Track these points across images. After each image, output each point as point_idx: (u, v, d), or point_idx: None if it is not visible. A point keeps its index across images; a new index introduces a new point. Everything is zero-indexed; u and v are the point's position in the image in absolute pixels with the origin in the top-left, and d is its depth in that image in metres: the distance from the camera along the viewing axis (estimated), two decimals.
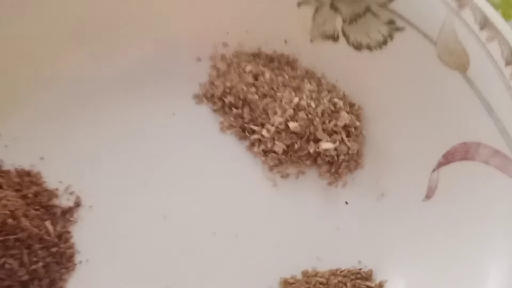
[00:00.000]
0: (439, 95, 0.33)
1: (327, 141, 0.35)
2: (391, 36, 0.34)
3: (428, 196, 0.33)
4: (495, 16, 0.31)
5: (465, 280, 0.30)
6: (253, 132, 0.36)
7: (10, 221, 0.29)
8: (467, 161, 0.31)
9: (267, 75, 0.36)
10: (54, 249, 0.32)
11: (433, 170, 0.33)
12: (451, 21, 0.32)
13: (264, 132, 0.35)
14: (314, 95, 0.35)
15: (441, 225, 0.31)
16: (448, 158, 0.32)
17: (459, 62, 0.32)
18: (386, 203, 0.34)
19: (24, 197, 0.32)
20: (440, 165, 0.32)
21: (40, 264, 0.30)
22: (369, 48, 0.35)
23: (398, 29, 0.34)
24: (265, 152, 0.36)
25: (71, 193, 0.34)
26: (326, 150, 0.35)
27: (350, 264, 0.33)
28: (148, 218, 0.34)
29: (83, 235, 0.33)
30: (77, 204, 0.34)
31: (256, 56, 0.38)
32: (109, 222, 0.33)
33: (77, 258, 0.32)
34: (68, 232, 0.33)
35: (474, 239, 0.30)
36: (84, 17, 0.36)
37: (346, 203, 0.35)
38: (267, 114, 0.35)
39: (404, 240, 0.33)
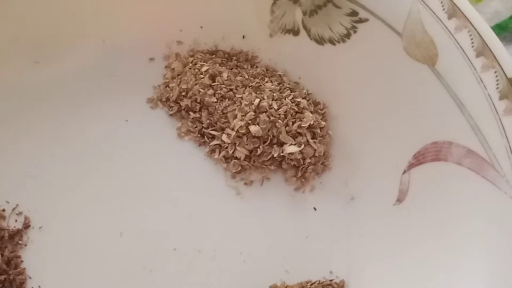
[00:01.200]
0: (407, 91, 0.31)
1: (291, 144, 0.32)
2: (354, 29, 0.32)
3: (399, 200, 0.31)
4: (464, 4, 0.29)
5: (441, 284, 0.28)
6: (213, 137, 0.34)
7: None
8: (439, 162, 0.29)
9: (225, 75, 0.34)
10: (2, 277, 0.29)
11: (404, 172, 0.31)
12: (417, 10, 0.29)
13: (224, 138, 0.33)
14: (276, 95, 0.33)
15: (414, 229, 0.30)
16: (419, 159, 0.30)
17: (427, 55, 0.29)
18: (356, 207, 0.33)
19: None
20: (411, 166, 0.30)
21: None
22: (332, 42, 0.33)
23: (361, 20, 0.32)
24: (227, 159, 0.33)
25: (19, 214, 0.32)
26: (291, 153, 0.32)
27: (320, 275, 0.31)
28: (103, 236, 0.31)
29: (34, 259, 0.31)
30: (26, 226, 0.31)
31: (213, 53, 0.36)
32: (62, 243, 0.31)
33: (29, 285, 0.30)
34: (18, 257, 0.31)
35: (449, 243, 0.28)
36: (24, 20, 0.34)
37: (315, 209, 0.33)
38: (226, 117, 0.33)
39: (377, 246, 0.31)
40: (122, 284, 0.31)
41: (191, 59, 0.35)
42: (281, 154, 0.33)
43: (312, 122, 0.33)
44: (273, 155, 0.33)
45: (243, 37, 0.35)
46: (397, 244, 0.31)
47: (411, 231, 0.30)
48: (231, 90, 0.34)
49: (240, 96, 0.33)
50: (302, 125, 0.33)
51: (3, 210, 0.32)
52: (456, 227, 0.28)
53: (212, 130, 0.33)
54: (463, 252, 0.28)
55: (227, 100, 0.33)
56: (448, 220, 0.29)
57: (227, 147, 0.33)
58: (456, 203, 0.29)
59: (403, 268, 0.30)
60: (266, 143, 0.33)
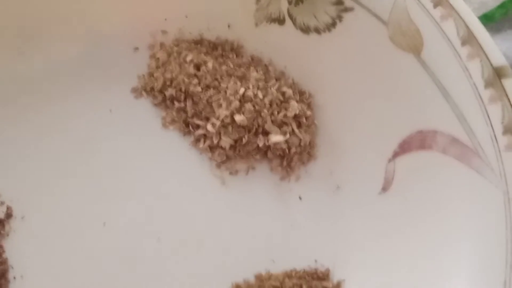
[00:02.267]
0: (392, 79, 0.30)
1: (277, 133, 0.32)
2: (339, 18, 0.32)
3: (384, 188, 0.31)
4: None
5: (426, 273, 0.28)
6: (198, 127, 0.33)
7: None
8: (424, 151, 0.29)
9: (210, 64, 0.34)
10: None
11: (389, 161, 0.31)
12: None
13: (209, 127, 0.33)
14: (261, 84, 0.33)
15: (399, 218, 0.30)
16: (404, 148, 0.30)
17: (412, 44, 0.29)
18: (341, 196, 0.32)
19: None
20: (396, 155, 0.30)
21: None
22: (317, 31, 0.33)
23: (346, 9, 0.31)
24: (212, 148, 0.33)
25: (1, 204, 0.31)
26: (276, 143, 0.32)
27: (305, 263, 0.31)
28: (86, 225, 0.31)
29: (16, 249, 0.30)
30: (8, 215, 0.31)
31: (198, 43, 0.35)
32: (44, 233, 0.31)
33: (11, 275, 0.30)
34: (0, 247, 0.30)
35: (434, 232, 0.28)
36: (8, 11, 0.33)
37: (300, 198, 0.33)
38: (211, 107, 0.33)
39: (362, 235, 0.31)
40: (105, 274, 0.30)
41: (176, 48, 0.35)
42: (267, 144, 0.32)
43: (297, 112, 0.32)
44: (258, 144, 0.32)
45: (229, 26, 0.35)
46: (382, 233, 0.30)
47: (396, 220, 0.30)
48: (216, 79, 0.33)
49: (225, 85, 0.33)
50: (288, 115, 0.32)
51: None
52: (441, 215, 0.28)
53: (197, 119, 0.33)
54: (447, 240, 0.28)
55: (212, 89, 0.33)
56: (432, 208, 0.28)
57: (212, 137, 0.33)
58: (441, 191, 0.28)
59: (388, 256, 0.30)
60: (251, 133, 0.32)
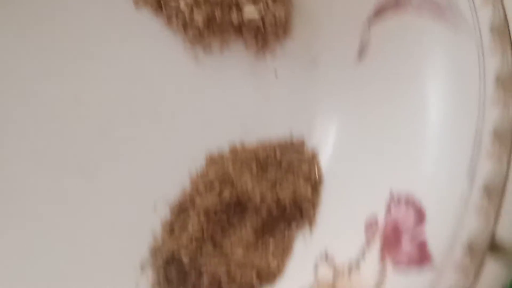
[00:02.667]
0: None
1: (250, 7, 0.31)
2: None
3: (360, 57, 0.30)
4: None
5: (400, 137, 0.27)
6: (170, 5, 0.33)
7: None
8: (398, 12, 0.28)
9: None
10: None
11: (365, 29, 0.30)
12: None
13: (182, 5, 0.32)
14: None
15: (375, 85, 0.29)
16: (379, 12, 0.29)
17: None
18: (317, 69, 0.32)
19: None
20: (371, 21, 0.30)
21: None
22: None
23: None
24: (185, 26, 0.32)
25: None
26: (250, 17, 0.32)
27: (280, 134, 0.31)
28: (59, 102, 0.31)
29: None
30: None
31: None
32: (12, 106, 0.31)
33: None
34: None
35: (411, 94, 0.27)
36: None
37: (276, 73, 0.32)
38: None
39: (337, 105, 0.31)
40: (78, 149, 0.30)
41: None
42: (241, 19, 0.32)
43: None
44: (232, 19, 0.32)
45: None
46: (358, 102, 0.30)
47: (372, 87, 0.29)
48: None
49: None
50: None
51: None
52: (418, 78, 0.27)
53: None
54: (426, 102, 0.27)
55: None
56: (410, 72, 0.28)
57: (184, 13, 0.32)
58: (417, 53, 0.28)
59: (363, 125, 0.29)
60: (224, 5, 0.32)
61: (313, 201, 0.29)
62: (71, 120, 0.31)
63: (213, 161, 0.30)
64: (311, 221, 0.29)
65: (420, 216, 0.24)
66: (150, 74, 0.32)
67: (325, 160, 0.30)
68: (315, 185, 0.29)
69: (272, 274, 0.27)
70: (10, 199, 0.30)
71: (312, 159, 0.30)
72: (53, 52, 0.31)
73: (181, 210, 0.29)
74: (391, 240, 0.24)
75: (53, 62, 0.31)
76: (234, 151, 0.31)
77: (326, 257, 0.26)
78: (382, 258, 0.24)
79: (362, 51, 0.30)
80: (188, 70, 0.32)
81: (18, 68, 0.31)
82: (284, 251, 0.28)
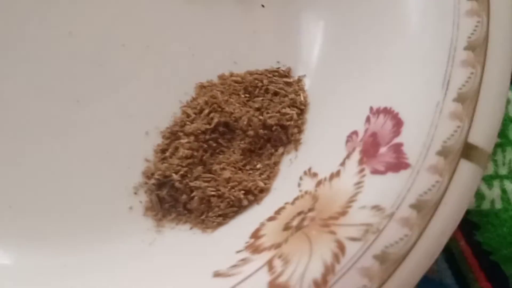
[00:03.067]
0: None
1: None
2: None
3: None
4: None
5: (380, 54, 0.28)
6: None
7: None
8: None
9: None
10: None
11: None
12: None
13: None
14: None
15: (358, 7, 0.30)
16: None
17: None
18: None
19: None
20: None
21: None
22: None
23: None
24: None
25: None
26: None
27: (268, 65, 0.32)
28: (52, 33, 0.32)
29: None
30: None
31: None
32: (11, 41, 0.32)
33: None
34: None
35: (389, 9, 0.28)
36: None
37: (263, 6, 0.33)
38: None
39: (321, 30, 0.32)
40: (71, 78, 0.32)
41: None
42: None
43: None
44: None
45: None
46: (342, 28, 0.31)
47: (355, 11, 0.30)
48: None
49: None
50: None
51: None
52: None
53: None
54: (405, 17, 0.28)
55: None
56: None
57: None
58: None
59: (344, 45, 0.30)
60: None
61: (299, 125, 0.30)
62: (65, 51, 0.32)
63: (202, 88, 0.31)
64: (297, 144, 0.30)
65: (397, 124, 0.25)
66: (139, 7, 0.33)
67: (310, 85, 0.31)
68: (301, 109, 0.30)
69: (259, 192, 0.28)
70: (5, 125, 0.31)
71: (298, 84, 0.31)
72: None
73: (172, 135, 0.30)
74: (369, 147, 0.25)
75: None
76: (222, 78, 0.31)
77: (310, 172, 0.27)
78: (361, 163, 0.25)
79: None
80: (177, 3, 0.33)
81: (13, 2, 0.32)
82: (271, 172, 0.29)
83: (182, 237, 0.29)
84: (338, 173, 0.25)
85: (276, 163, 0.29)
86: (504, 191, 0.30)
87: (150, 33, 0.32)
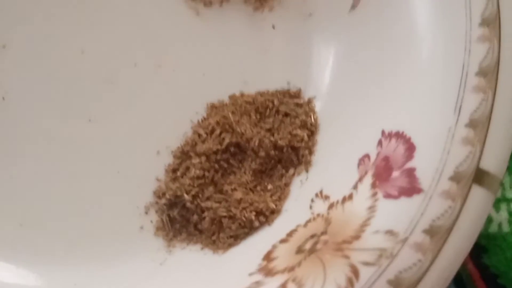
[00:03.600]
0: None
1: None
2: None
3: (354, 5, 0.31)
4: None
5: (392, 78, 0.28)
6: None
7: None
8: None
9: None
10: None
11: None
12: None
13: None
14: None
15: (366, 29, 0.30)
16: None
17: None
18: (314, 21, 0.33)
19: None
20: None
21: None
22: None
23: None
24: None
25: None
26: None
27: (278, 85, 0.32)
28: (65, 52, 0.32)
29: None
30: None
31: None
32: (24, 60, 0.32)
33: None
34: None
35: (400, 35, 0.28)
36: None
37: (273, 27, 0.33)
38: None
39: (333, 55, 0.32)
40: (83, 98, 0.32)
41: None
42: None
43: None
44: None
45: None
46: (351, 48, 0.31)
47: (364, 33, 0.30)
48: None
49: None
50: None
51: None
52: (408, 18, 0.28)
53: None
54: (416, 43, 0.28)
55: None
56: (400, 14, 0.29)
57: None
58: None
59: (356, 69, 0.30)
60: None
61: (310, 146, 0.30)
62: (77, 69, 0.32)
63: (213, 108, 0.31)
64: (307, 165, 0.30)
65: (410, 149, 0.25)
66: (152, 27, 0.33)
67: (320, 106, 0.31)
68: (311, 130, 0.30)
69: (270, 213, 0.29)
70: (19, 143, 0.31)
71: (308, 105, 0.31)
72: (58, 3, 0.32)
73: (183, 155, 0.31)
74: (382, 171, 0.25)
75: (59, 13, 0.32)
76: (233, 98, 0.32)
77: (322, 195, 0.28)
78: (373, 187, 0.25)
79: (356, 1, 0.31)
80: (189, 22, 0.33)
81: (25, 17, 0.32)
82: (282, 193, 0.29)
83: (193, 257, 0.29)
84: (350, 196, 0.26)
85: (287, 184, 0.30)
86: (511, 214, 0.30)
87: (162, 52, 0.33)
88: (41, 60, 0.32)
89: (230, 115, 0.30)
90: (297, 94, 0.32)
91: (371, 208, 0.24)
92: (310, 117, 0.31)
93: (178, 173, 0.30)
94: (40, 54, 0.32)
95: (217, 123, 0.30)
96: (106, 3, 0.33)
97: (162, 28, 0.33)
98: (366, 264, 0.23)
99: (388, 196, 0.24)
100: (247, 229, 0.28)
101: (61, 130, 0.31)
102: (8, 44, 0.32)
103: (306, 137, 0.30)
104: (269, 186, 0.30)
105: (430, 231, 0.23)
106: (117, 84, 0.32)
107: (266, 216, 0.28)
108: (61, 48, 0.32)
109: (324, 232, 0.25)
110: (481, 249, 0.30)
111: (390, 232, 0.23)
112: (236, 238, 0.28)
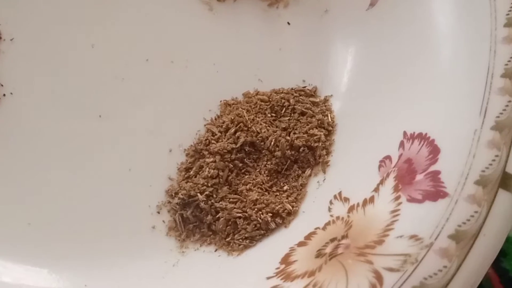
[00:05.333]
0: None
1: None
2: None
3: (372, 3, 0.30)
4: None
5: (414, 78, 0.28)
6: None
7: None
8: None
9: None
10: None
11: None
12: None
13: None
14: None
15: (387, 27, 0.30)
16: None
17: None
18: (330, 19, 0.32)
19: None
20: None
21: None
22: None
23: None
24: None
25: None
26: None
27: (293, 83, 0.31)
28: (76, 47, 0.31)
29: (6, 69, 0.31)
30: None
31: None
32: (33, 54, 0.31)
33: (1, 92, 0.30)
34: None
35: (416, 37, 0.28)
36: None
37: (288, 23, 0.33)
38: None
39: (350, 53, 0.31)
40: (94, 94, 0.31)
41: None
42: None
43: None
44: None
45: None
46: (370, 45, 0.31)
47: (384, 30, 0.30)
48: None
49: None
50: None
51: None
52: (430, 16, 0.28)
53: None
54: (438, 42, 0.27)
55: None
56: (421, 11, 0.28)
57: None
58: None
59: (376, 67, 0.30)
60: None
61: (327, 146, 0.29)
62: (86, 65, 0.31)
63: (227, 106, 0.31)
64: (324, 166, 0.29)
65: (434, 151, 0.24)
66: (164, 21, 0.32)
67: (338, 106, 0.30)
68: (329, 130, 0.30)
69: (287, 215, 0.28)
70: (27, 139, 0.30)
71: (325, 104, 0.30)
72: (73, 3, 0.32)
73: (196, 154, 0.30)
74: (405, 174, 0.25)
75: (70, 7, 0.32)
76: (248, 96, 0.31)
77: (341, 197, 0.27)
78: (396, 190, 0.24)
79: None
80: (203, 18, 0.33)
81: (34, 9, 0.31)
82: (298, 194, 0.29)
83: (207, 259, 0.28)
84: (371, 199, 0.25)
85: (303, 185, 0.29)
86: None
87: (175, 48, 0.32)
88: (50, 54, 0.31)
89: (245, 113, 0.30)
90: (313, 93, 0.31)
91: (394, 212, 0.24)
92: (327, 116, 0.30)
93: (191, 172, 0.29)
94: (49, 48, 0.31)
95: (232, 121, 0.30)
96: (120, 2, 0.32)
97: (175, 23, 0.32)
98: (390, 270, 0.22)
99: (412, 200, 0.24)
100: (263, 230, 0.28)
101: (70, 127, 0.31)
102: (16, 37, 0.31)
103: (323, 137, 0.29)
104: (285, 187, 0.29)
105: (456, 237, 0.22)
106: (128, 80, 0.31)
107: (282, 217, 0.28)
108: (71, 43, 0.31)
109: (345, 236, 0.24)
110: (500, 252, 0.30)
111: (414, 237, 0.23)
112: (252, 240, 0.28)
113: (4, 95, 0.30)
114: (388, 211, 0.24)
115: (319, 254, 0.25)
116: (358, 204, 0.25)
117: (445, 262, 0.22)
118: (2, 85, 0.30)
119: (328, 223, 0.26)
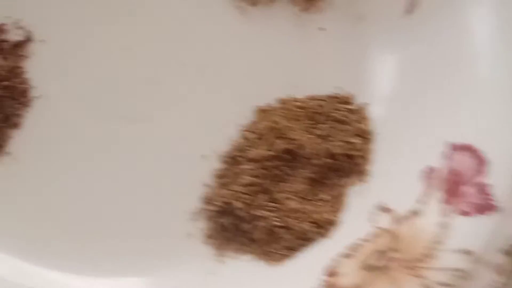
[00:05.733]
0: None
1: None
2: None
3: (409, 11, 0.30)
4: None
5: (456, 89, 0.28)
6: None
7: None
8: None
9: None
10: (5, 83, 0.29)
11: None
12: None
13: None
14: None
15: (423, 37, 0.29)
16: None
17: None
18: (365, 25, 0.32)
19: None
20: None
21: None
22: None
23: None
24: None
25: (21, 27, 0.31)
26: None
27: (328, 90, 0.31)
28: (110, 50, 0.31)
29: (38, 71, 0.30)
30: (28, 39, 0.30)
31: None
32: (64, 55, 0.30)
33: (32, 94, 0.30)
34: (19, 67, 0.30)
35: (457, 44, 0.28)
36: None
37: (323, 29, 0.32)
38: None
39: (386, 61, 0.31)
40: (127, 98, 0.31)
41: None
42: None
43: None
44: None
45: None
46: (406, 57, 0.30)
47: (426, 41, 0.30)
48: None
49: None
50: None
51: (3, 24, 0.30)
52: (468, 25, 0.28)
53: None
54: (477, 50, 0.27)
55: None
56: (459, 21, 0.28)
57: None
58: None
59: (417, 77, 0.30)
60: None
61: (365, 154, 0.29)
62: (119, 68, 0.31)
63: (262, 112, 0.30)
64: (363, 174, 0.29)
65: (481, 163, 0.24)
66: (197, 25, 0.32)
67: (377, 114, 0.30)
68: (366, 138, 0.29)
69: (326, 225, 0.28)
70: (58, 142, 0.30)
71: (361, 112, 0.30)
72: (106, 4, 0.31)
73: (233, 160, 0.29)
74: (452, 186, 0.24)
75: (106, 14, 0.31)
76: (283, 102, 0.31)
77: (383, 207, 0.27)
78: (444, 202, 0.24)
79: (410, 5, 0.30)
80: (235, 22, 0.32)
81: (66, 10, 0.31)
82: (337, 204, 0.29)
83: (245, 268, 0.28)
84: (418, 211, 0.25)
85: (342, 195, 0.29)
86: None
87: (210, 53, 0.31)
88: (82, 57, 0.31)
89: (281, 120, 0.29)
90: (349, 100, 0.31)
91: (443, 225, 0.24)
92: (364, 124, 0.30)
93: (228, 179, 0.29)
94: (82, 51, 0.31)
95: (268, 128, 0.29)
96: (152, 1, 0.31)
97: (210, 30, 0.32)
98: (443, 284, 0.22)
99: (461, 212, 0.24)
100: (303, 240, 0.27)
101: (102, 131, 0.30)
102: (48, 39, 0.30)
103: (360, 146, 0.29)
104: (323, 196, 0.29)
105: (510, 252, 0.22)
106: (161, 84, 0.31)
107: (322, 227, 0.27)
108: (104, 46, 0.31)
109: (392, 249, 0.24)
110: None
111: (466, 252, 0.23)
112: (291, 250, 0.27)
113: (36, 97, 0.30)
114: (436, 224, 0.24)
115: (366, 267, 0.24)
116: (403, 216, 0.25)
117: (497, 277, 0.22)
118: (34, 87, 0.30)
119: (372, 234, 0.26)
